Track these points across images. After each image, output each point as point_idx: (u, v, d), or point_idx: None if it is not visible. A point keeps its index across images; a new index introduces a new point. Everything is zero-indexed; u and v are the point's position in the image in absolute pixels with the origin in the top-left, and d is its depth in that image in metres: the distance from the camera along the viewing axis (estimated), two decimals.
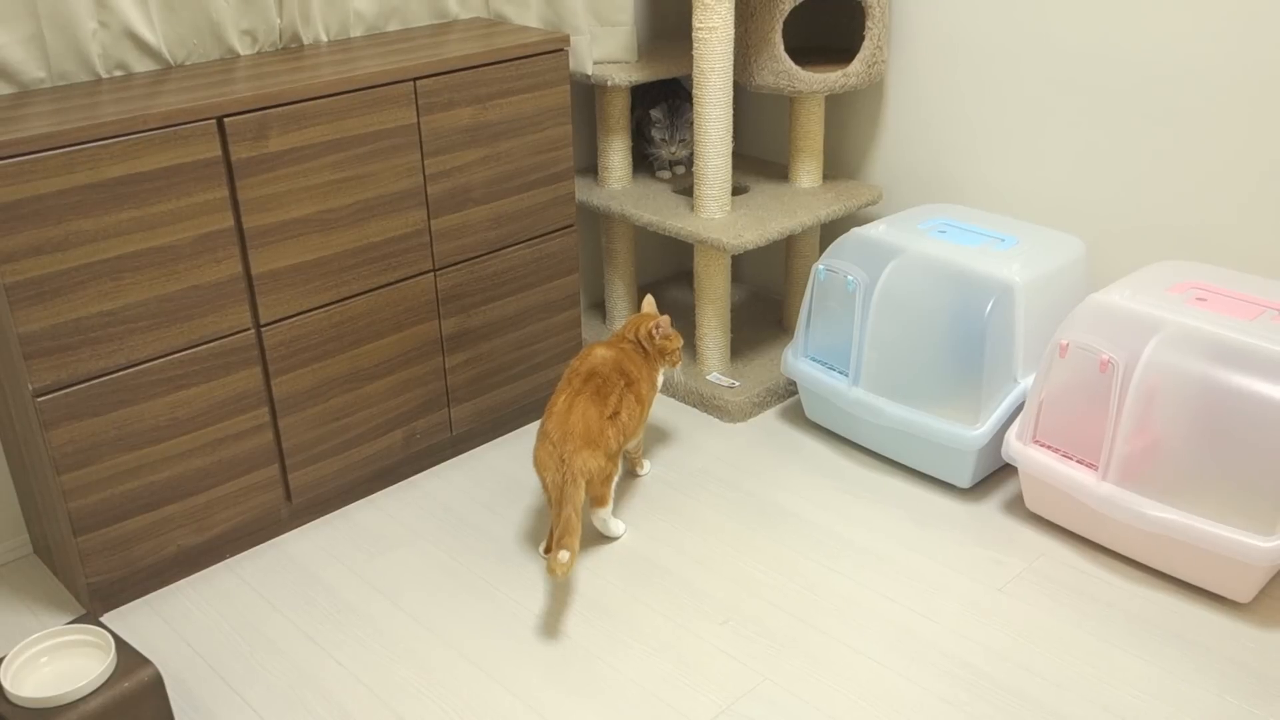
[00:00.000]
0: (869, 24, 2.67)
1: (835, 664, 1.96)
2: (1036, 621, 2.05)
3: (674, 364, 2.43)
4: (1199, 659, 1.95)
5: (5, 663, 1.72)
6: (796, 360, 2.64)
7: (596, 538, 2.31)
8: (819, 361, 2.61)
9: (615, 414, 2.22)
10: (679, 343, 2.41)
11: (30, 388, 1.88)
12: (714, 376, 2.83)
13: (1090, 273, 2.52)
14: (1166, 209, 2.47)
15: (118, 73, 2.16)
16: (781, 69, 2.67)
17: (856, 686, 1.90)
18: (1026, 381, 2.35)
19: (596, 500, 2.22)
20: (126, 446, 2.02)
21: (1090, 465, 2.17)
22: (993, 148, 2.73)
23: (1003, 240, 2.45)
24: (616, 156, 2.88)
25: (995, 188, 2.76)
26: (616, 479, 2.25)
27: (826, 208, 2.75)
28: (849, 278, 2.48)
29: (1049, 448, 2.24)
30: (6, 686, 1.68)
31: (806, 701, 1.87)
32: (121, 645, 1.78)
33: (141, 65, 2.18)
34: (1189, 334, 2.05)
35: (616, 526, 2.30)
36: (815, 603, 2.11)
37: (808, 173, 2.88)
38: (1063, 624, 2.04)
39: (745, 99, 3.20)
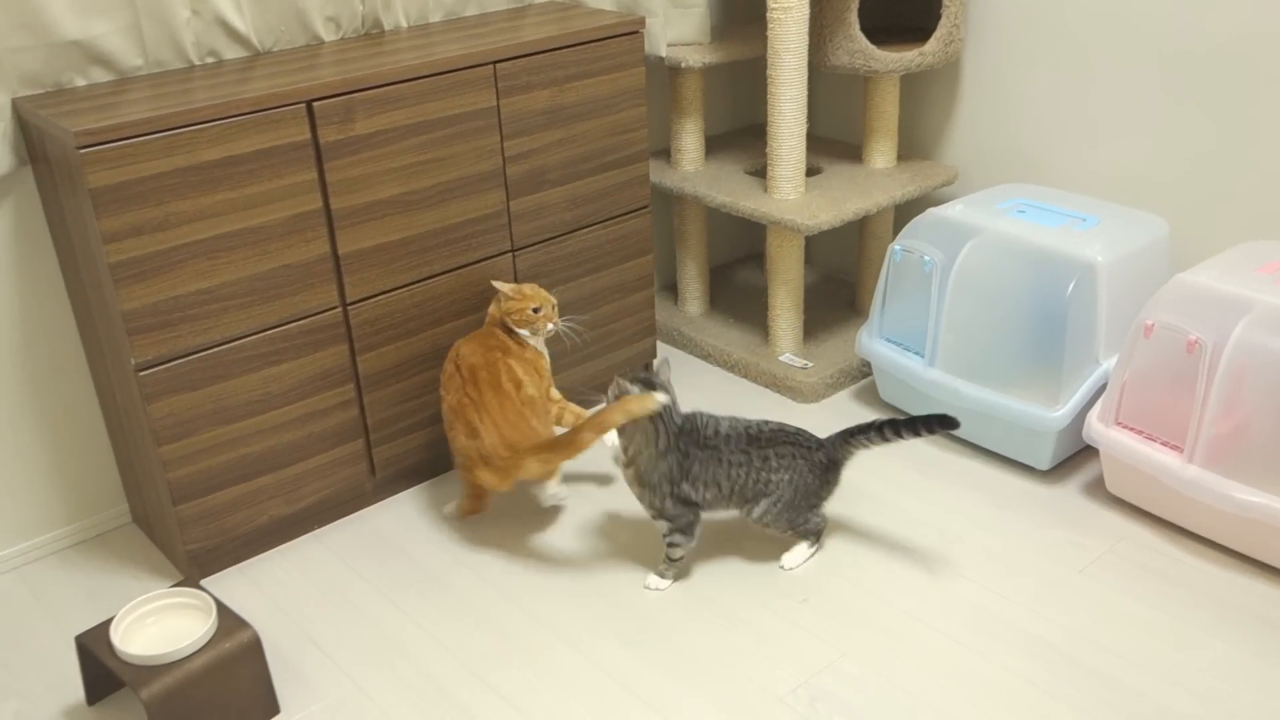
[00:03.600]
0: (946, 2, 2.65)
1: (913, 641, 1.97)
2: (1117, 604, 2.04)
3: (540, 324, 2.26)
4: None
5: (114, 622, 1.80)
6: (871, 341, 2.64)
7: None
8: (894, 342, 2.61)
9: (519, 385, 2.20)
10: (528, 301, 2.25)
11: (132, 362, 1.96)
12: (786, 357, 2.84)
13: (1172, 253, 2.48)
14: (1253, 188, 2.42)
15: (209, 59, 2.22)
16: (857, 48, 2.66)
17: (934, 664, 1.91)
18: (1108, 363, 2.32)
19: (550, 474, 2.23)
20: (222, 420, 2.09)
21: (1175, 447, 2.14)
22: (1072, 126, 2.70)
23: (1084, 220, 2.42)
24: (690, 138, 2.90)
25: (1074, 167, 2.73)
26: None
27: (901, 188, 2.74)
28: (925, 258, 2.48)
29: (1132, 429, 2.21)
30: (116, 644, 1.76)
31: (884, 677, 1.89)
32: (222, 608, 1.85)
33: (232, 52, 2.25)
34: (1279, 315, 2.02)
35: (561, 494, 2.28)
36: (892, 581, 2.12)
37: (882, 153, 2.87)
38: (1145, 607, 2.03)
39: (818, 79, 3.19)
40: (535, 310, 2.25)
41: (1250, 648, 1.92)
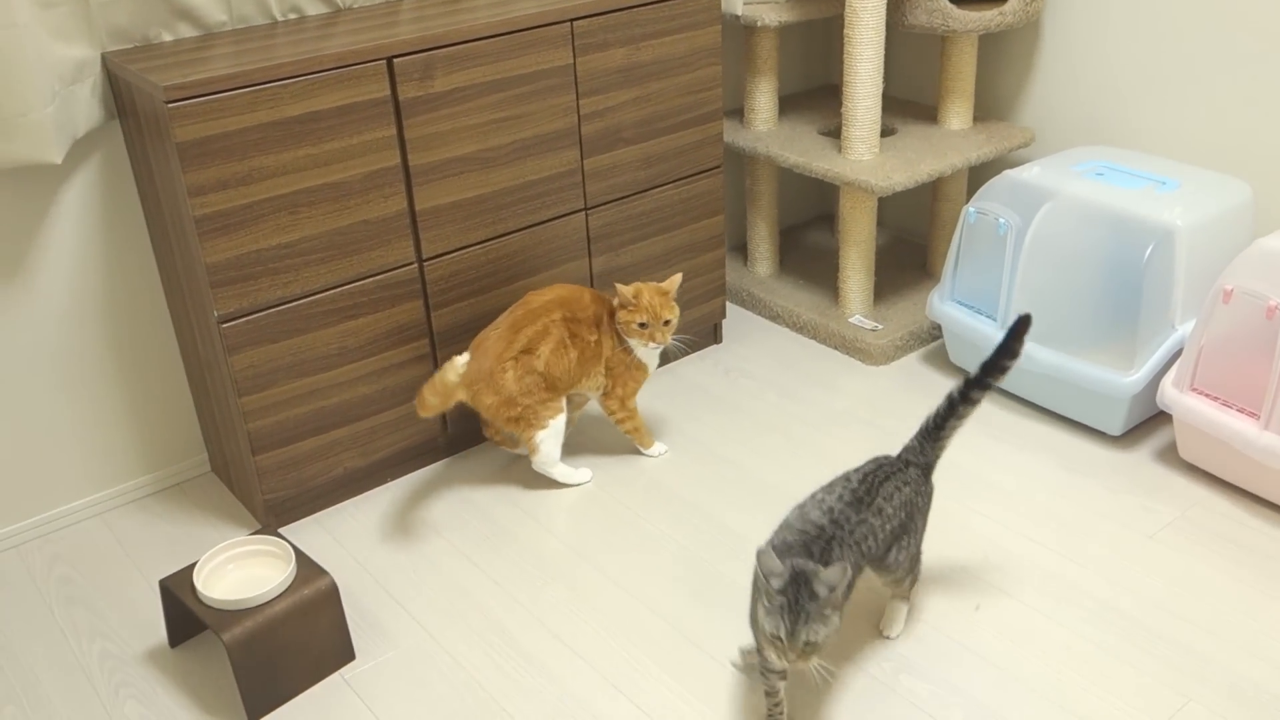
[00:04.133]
0: None
1: (981, 603, 1.97)
2: (1189, 569, 2.02)
3: (642, 339, 2.22)
4: None
5: (197, 568, 1.86)
6: (943, 303, 2.62)
7: (751, 482, 2.35)
8: (966, 305, 2.58)
9: (527, 351, 2.19)
10: (637, 314, 2.19)
11: (215, 314, 2.01)
12: (856, 319, 2.83)
13: (1256, 218, 2.42)
14: None
15: (291, 15, 2.25)
16: (936, 7, 2.62)
17: (1003, 627, 1.91)
18: (1185, 328, 2.29)
19: (525, 440, 2.27)
20: (300, 372, 2.14)
21: (1251, 414, 2.11)
22: (1152, 88, 2.64)
23: (1164, 183, 2.38)
24: (763, 98, 2.88)
25: (1154, 129, 2.67)
26: (553, 425, 2.25)
27: (976, 150, 2.70)
28: (1000, 220, 2.45)
29: (1207, 396, 2.18)
30: (199, 588, 1.82)
31: (951, 638, 1.89)
32: (300, 556, 1.90)
33: (313, 9, 2.27)
34: None
35: (559, 471, 2.33)
36: (960, 543, 2.12)
37: (957, 114, 2.83)
38: (1217, 573, 2.01)
39: (895, 38, 3.15)
40: (641, 325, 2.20)
41: None
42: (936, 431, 1.87)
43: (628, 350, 2.27)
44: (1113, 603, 1.95)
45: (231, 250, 1.98)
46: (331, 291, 2.13)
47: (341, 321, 2.16)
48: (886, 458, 1.84)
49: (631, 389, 2.33)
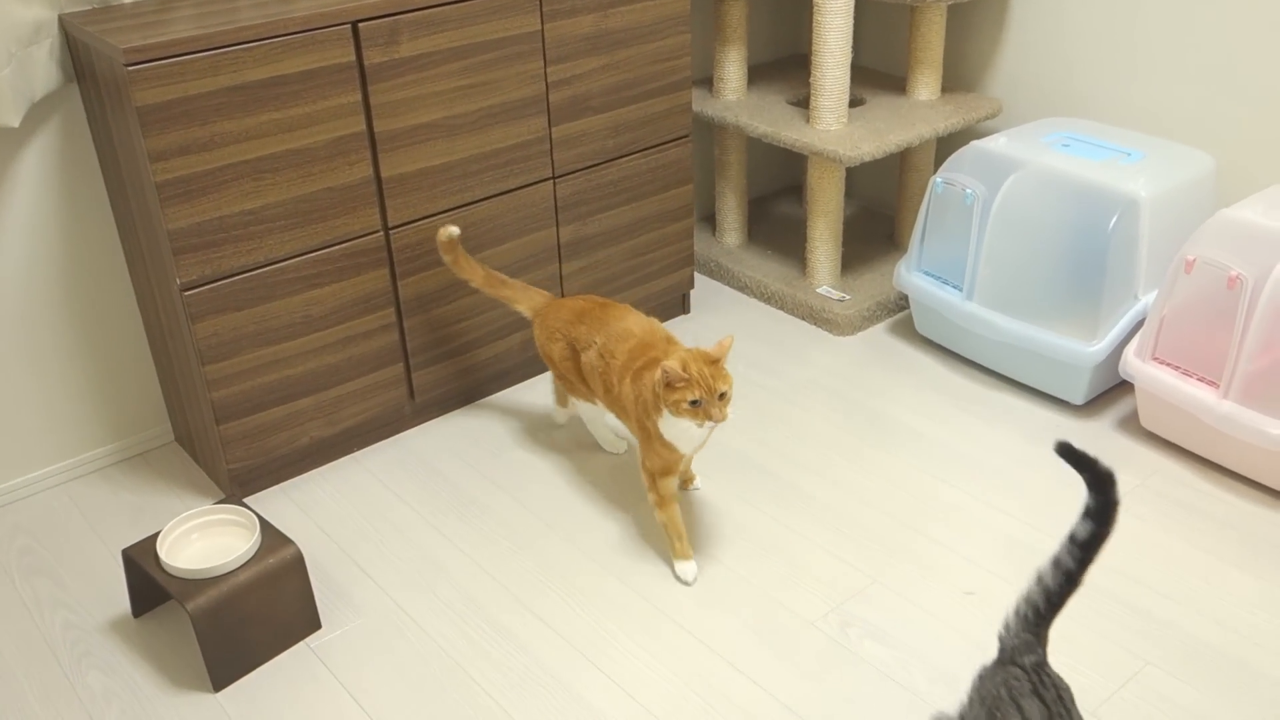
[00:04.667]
0: None
1: (943, 570, 1.99)
2: (1149, 537, 2.05)
3: (698, 419, 1.83)
4: None
5: (160, 537, 1.84)
6: (910, 274, 2.63)
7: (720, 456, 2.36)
8: (932, 275, 2.60)
9: (583, 348, 2.11)
10: (689, 391, 1.80)
11: (178, 282, 1.98)
12: (824, 290, 2.84)
13: (1219, 190, 2.45)
14: None
15: None
16: None
17: (964, 592, 1.94)
18: (1147, 298, 2.31)
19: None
20: (264, 341, 2.12)
21: (1211, 383, 2.14)
22: (1118, 60, 2.65)
23: (1128, 155, 2.39)
24: (732, 67, 2.87)
25: (1121, 102, 2.68)
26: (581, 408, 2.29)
27: (944, 120, 2.71)
28: (967, 190, 2.46)
29: (1168, 365, 2.21)
30: (163, 558, 1.80)
31: (914, 603, 1.91)
32: (265, 525, 1.89)
33: None
34: None
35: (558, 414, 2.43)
36: (924, 511, 2.14)
37: (926, 85, 2.83)
38: (1176, 540, 2.04)
39: (864, 9, 3.14)
40: (693, 403, 1.81)
41: (1278, 581, 1.93)
42: (1039, 624, 1.38)
43: (650, 412, 1.93)
44: None
45: (194, 217, 1.95)
46: (296, 259, 2.10)
47: (306, 290, 2.14)
48: (998, 670, 1.39)
49: (659, 466, 1.96)
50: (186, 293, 2.00)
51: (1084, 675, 1.76)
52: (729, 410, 1.84)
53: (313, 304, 2.16)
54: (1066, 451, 1.34)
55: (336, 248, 2.15)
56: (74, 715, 1.75)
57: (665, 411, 1.85)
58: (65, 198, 2.15)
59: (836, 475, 2.25)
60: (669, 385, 1.81)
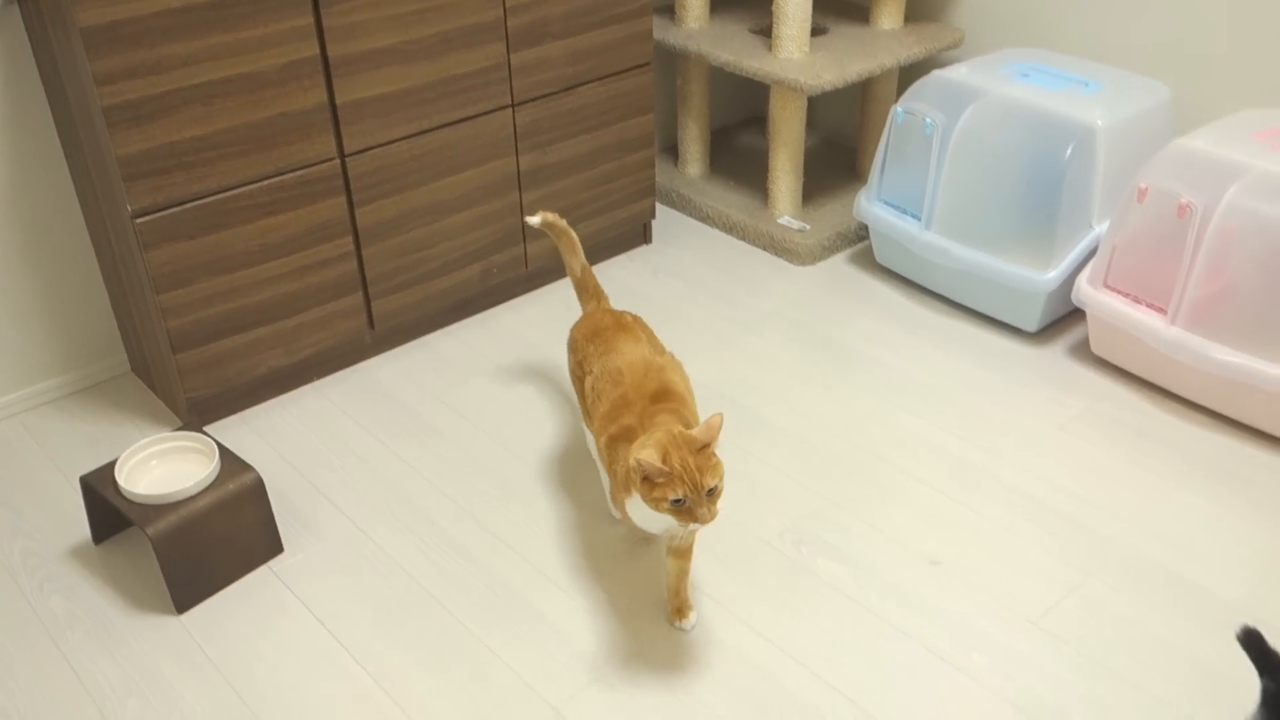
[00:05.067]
0: None
1: (898, 491, 2.03)
2: (1095, 458, 2.10)
3: (681, 520, 1.50)
4: (1255, 496, 1.99)
5: (119, 464, 1.85)
6: (870, 204, 2.64)
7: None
8: (892, 205, 2.61)
9: (585, 372, 1.87)
10: (671, 488, 1.47)
11: (129, 209, 1.96)
12: (785, 220, 2.84)
13: (1174, 119, 2.47)
14: (1257, 56, 2.40)
15: None
16: None
17: (918, 512, 1.98)
18: (1101, 227, 2.34)
19: None
20: (219, 270, 2.11)
21: (1160, 309, 2.17)
22: None
23: (1086, 85, 2.40)
24: None
25: (1081, 32, 2.69)
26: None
27: (906, 50, 2.71)
28: (927, 120, 2.46)
29: (1119, 292, 2.24)
30: (122, 484, 1.81)
31: (868, 524, 1.96)
32: (224, 451, 1.90)
33: None
34: (1271, 180, 2.02)
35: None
36: (880, 436, 2.17)
37: (888, 14, 2.82)
38: (1120, 461, 2.09)
39: None
40: (676, 502, 1.47)
41: (1217, 499, 1.99)
42: None
43: (624, 487, 1.61)
44: (1021, 489, 2.02)
45: (143, 142, 1.93)
46: (250, 187, 2.08)
47: (261, 218, 2.12)
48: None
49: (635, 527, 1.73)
50: (138, 220, 1.98)
51: (1026, 588, 1.81)
52: (719, 506, 1.51)
53: (268, 232, 2.14)
54: (1252, 642, 1.27)
55: (291, 175, 2.13)
56: (37, 639, 1.77)
57: (637, 497, 1.53)
58: (8, 122, 2.11)
59: (795, 402, 2.27)
60: (646, 479, 1.48)
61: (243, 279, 2.14)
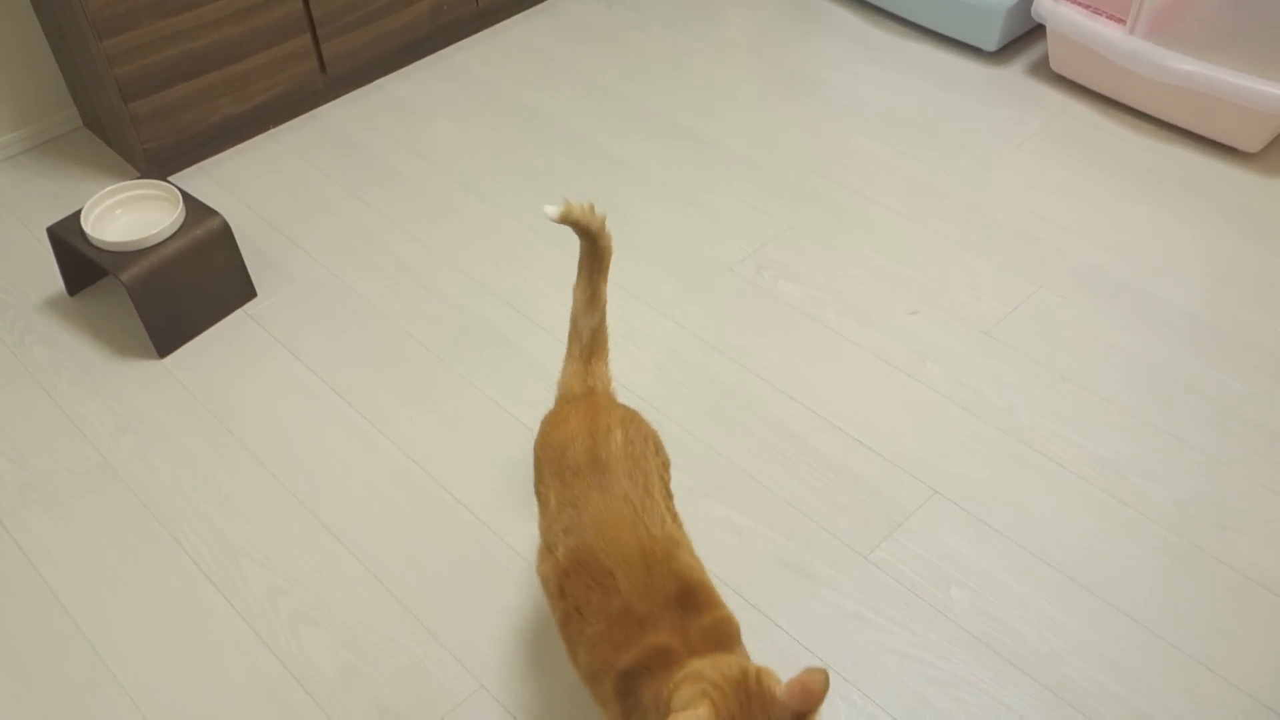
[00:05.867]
0: None
1: (856, 214, 2.07)
2: (1050, 173, 2.14)
3: None
4: (1204, 204, 2.05)
5: (84, 212, 1.85)
6: None
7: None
8: None
9: (543, 532, 1.24)
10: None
11: None
12: None
13: None
14: None
15: None
16: None
17: (875, 233, 2.03)
18: None
19: None
20: (162, 12, 2.03)
21: (1119, 20, 2.16)
22: None
23: None
24: None
25: None
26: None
27: None
28: None
29: (1079, 4, 2.22)
30: (89, 232, 1.82)
31: (828, 246, 2.01)
32: (188, 198, 1.90)
33: None
34: None
35: None
36: (839, 161, 2.20)
37: None
38: (1075, 175, 2.13)
39: None
40: None
41: (1171, 211, 2.05)
42: None
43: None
44: (977, 207, 2.07)
45: None
46: None
47: None
48: None
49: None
50: None
51: (979, 300, 1.89)
52: None
53: None
54: None
55: None
56: (25, 385, 1.82)
57: None
58: None
59: (754, 130, 2.28)
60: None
61: (186, 22, 2.07)
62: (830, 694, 1.38)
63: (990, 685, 1.38)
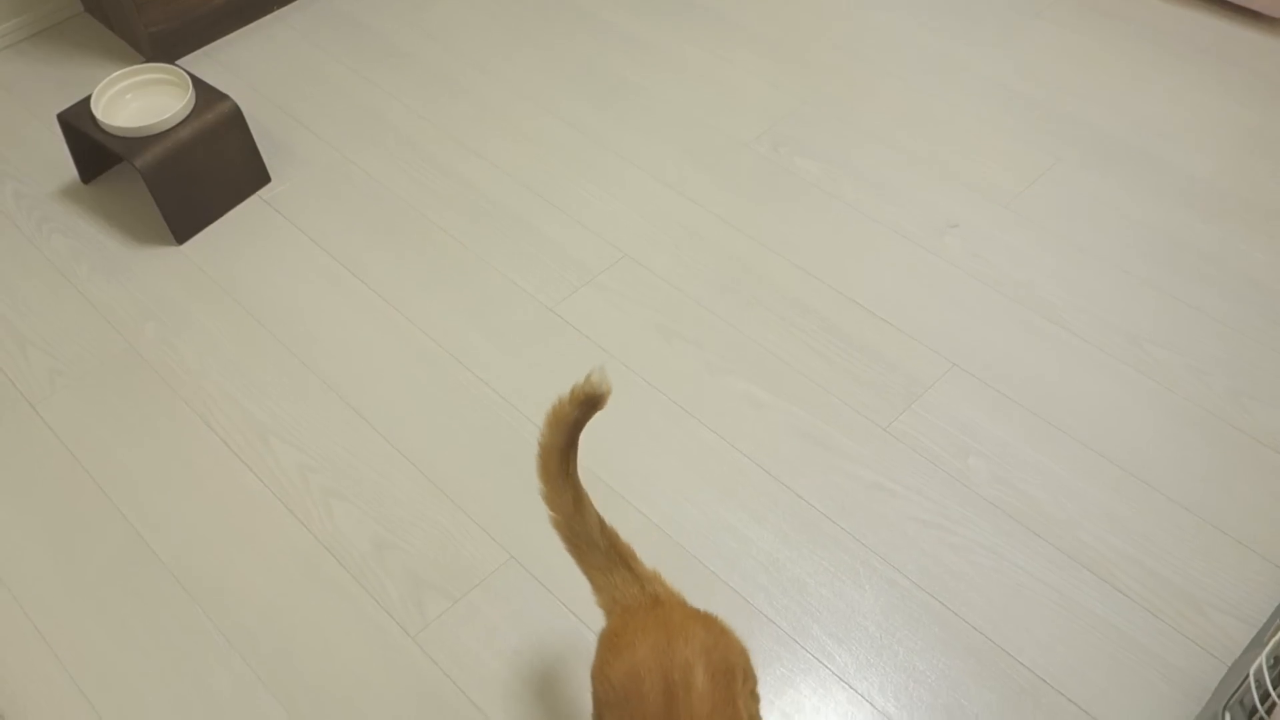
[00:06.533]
0: None
1: (873, 88, 2.04)
2: (1070, 42, 2.10)
3: None
4: (1225, 73, 2.02)
5: (94, 98, 1.83)
6: None
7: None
8: None
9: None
10: None
11: None
12: None
13: None
14: None
15: None
16: None
17: (892, 107, 2.01)
18: None
19: None
20: None
21: None
22: None
23: None
24: None
25: None
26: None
27: None
28: None
29: None
30: (100, 118, 1.80)
31: (844, 121, 1.99)
32: (197, 82, 1.87)
33: None
34: None
35: None
36: (856, 35, 2.15)
37: None
38: (1098, 45, 2.09)
39: None
40: None
41: (1192, 79, 2.01)
42: None
43: None
44: (995, 78, 2.04)
45: None
46: None
47: None
48: None
49: None
50: None
51: (999, 174, 1.88)
52: None
53: None
54: None
55: None
56: (47, 273, 1.83)
57: None
58: None
59: (768, 5, 2.23)
60: None
61: None
62: (850, 560, 1.42)
63: (1006, 549, 1.42)
